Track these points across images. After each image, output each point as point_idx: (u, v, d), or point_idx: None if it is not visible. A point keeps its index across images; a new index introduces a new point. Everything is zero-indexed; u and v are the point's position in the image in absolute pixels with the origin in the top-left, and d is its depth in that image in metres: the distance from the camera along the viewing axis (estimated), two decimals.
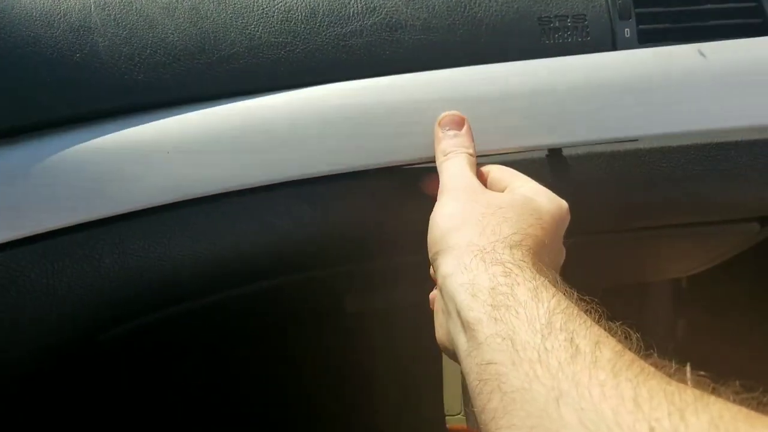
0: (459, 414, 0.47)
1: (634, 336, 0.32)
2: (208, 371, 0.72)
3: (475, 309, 0.36)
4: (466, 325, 0.36)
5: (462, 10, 0.56)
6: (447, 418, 0.47)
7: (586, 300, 0.35)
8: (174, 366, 0.70)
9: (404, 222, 0.54)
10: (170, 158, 0.49)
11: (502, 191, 0.47)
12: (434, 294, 0.47)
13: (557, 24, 0.57)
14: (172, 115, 0.51)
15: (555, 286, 0.36)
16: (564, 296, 0.35)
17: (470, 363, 0.35)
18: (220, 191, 0.51)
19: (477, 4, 0.56)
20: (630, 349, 0.31)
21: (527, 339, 0.32)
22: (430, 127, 0.52)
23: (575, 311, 0.34)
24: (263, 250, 0.54)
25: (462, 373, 0.38)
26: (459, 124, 0.51)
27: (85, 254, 0.49)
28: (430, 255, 0.44)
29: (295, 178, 0.52)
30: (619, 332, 0.32)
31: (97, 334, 0.52)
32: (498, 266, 0.38)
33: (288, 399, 0.77)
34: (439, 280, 0.41)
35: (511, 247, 0.39)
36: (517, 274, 0.37)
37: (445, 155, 0.49)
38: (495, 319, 0.34)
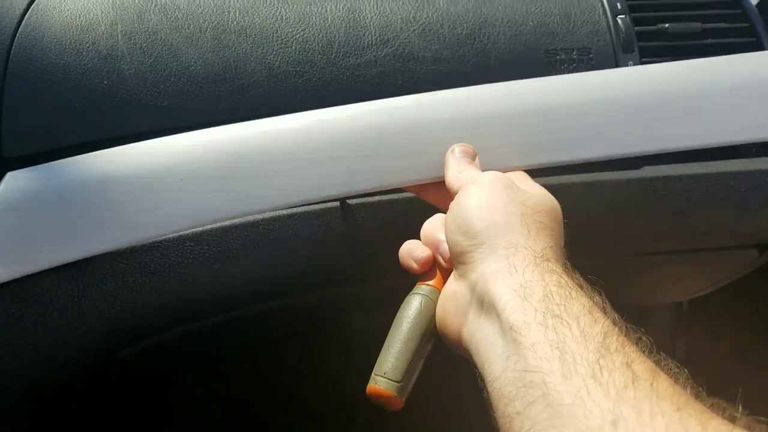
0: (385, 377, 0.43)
1: (683, 372, 0.32)
2: (217, 384, 0.73)
3: (524, 313, 0.35)
4: (508, 327, 0.35)
5: (472, 42, 0.58)
6: (377, 377, 0.44)
7: (634, 329, 0.35)
8: (185, 381, 0.72)
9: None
10: (183, 186, 0.50)
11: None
12: (449, 284, 0.45)
13: (563, 56, 0.59)
14: (183, 142, 0.51)
15: (604, 309, 0.36)
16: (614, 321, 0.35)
17: (506, 366, 0.34)
18: (234, 218, 0.52)
19: (486, 37, 0.59)
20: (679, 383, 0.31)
21: (580, 354, 0.31)
22: (442, 145, 0.52)
23: (629, 337, 0.33)
24: (278, 271, 0.55)
25: (482, 367, 0.37)
26: (472, 156, 0.51)
27: (108, 273, 0.51)
28: (459, 245, 0.43)
29: (310, 202, 0.53)
30: (672, 367, 0.32)
31: (117, 350, 0.54)
32: (552, 275, 0.37)
33: (294, 410, 0.78)
34: (474, 274, 0.41)
35: (557, 259, 0.39)
36: (571, 288, 0.36)
37: (462, 172, 0.49)
38: (545, 326, 0.34)
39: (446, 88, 0.56)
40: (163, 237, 0.51)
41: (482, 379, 0.37)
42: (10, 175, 0.48)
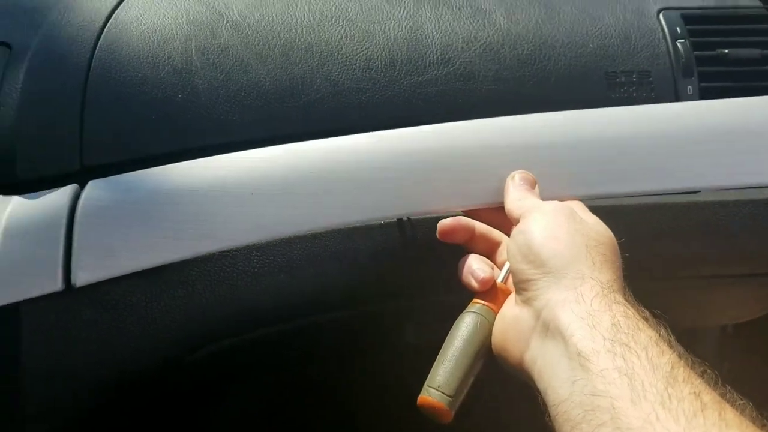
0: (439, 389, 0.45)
1: (748, 405, 0.33)
2: (271, 393, 0.75)
3: (592, 340, 0.37)
4: (575, 353, 0.37)
5: (532, 63, 0.59)
6: (430, 389, 0.45)
7: (699, 362, 0.36)
8: (240, 389, 0.73)
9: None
10: (254, 200, 0.52)
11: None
12: (510, 308, 0.47)
13: (623, 79, 0.60)
14: (254, 156, 0.53)
15: (670, 342, 0.37)
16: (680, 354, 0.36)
17: (573, 390, 0.36)
18: (299, 233, 0.54)
19: (546, 58, 0.60)
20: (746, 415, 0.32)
21: (649, 381, 0.33)
22: (500, 172, 0.53)
23: (696, 369, 0.34)
24: (338, 282, 0.57)
25: (545, 391, 0.38)
26: (532, 183, 0.52)
27: (179, 281, 0.52)
28: (524, 273, 0.44)
29: (371, 222, 0.54)
30: (738, 399, 0.33)
31: (183, 356, 0.55)
32: (619, 306, 0.39)
33: (343, 419, 0.80)
34: (539, 302, 0.42)
35: (621, 291, 0.41)
36: (638, 319, 0.38)
37: (522, 199, 0.50)
38: (614, 354, 0.35)
39: (506, 108, 0.58)
40: (232, 248, 0.53)
41: (544, 403, 0.39)
42: (91, 184, 0.50)
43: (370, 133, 0.55)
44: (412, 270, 0.57)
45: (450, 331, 0.48)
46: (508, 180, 0.52)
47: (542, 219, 0.46)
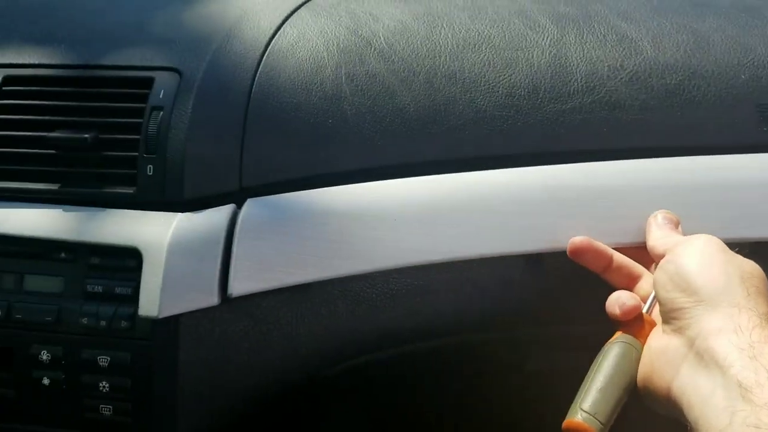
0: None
1: None
2: (400, 409, 0.77)
3: (754, 372, 0.37)
4: (735, 384, 0.37)
5: (680, 93, 0.58)
6: (582, 413, 0.44)
7: None
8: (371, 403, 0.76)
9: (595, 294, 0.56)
10: (396, 226, 0.54)
11: None
12: (657, 339, 0.46)
13: None
14: (398, 185, 0.55)
15: None
16: None
17: (732, 420, 0.36)
18: (439, 261, 0.55)
19: (695, 88, 0.58)
20: None
21: None
22: (643, 211, 0.54)
23: None
24: (473, 307, 0.57)
25: (696, 421, 0.38)
26: (675, 223, 0.52)
27: (323, 299, 0.55)
28: (675, 302, 0.44)
29: (508, 254, 0.55)
30: None
31: (318, 372, 0.58)
32: None
33: None
34: (691, 330, 0.42)
35: None
36: None
37: (665, 237, 0.51)
38: None
39: (653, 138, 0.57)
40: (375, 270, 0.54)
41: None
42: (249, 201, 0.54)
43: (511, 168, 0.56)
44: (544, 300, 0.57)
45: (598, 360, 0.48)
46: (651, 219, 0.53)
47: (693, 249, 0.46)
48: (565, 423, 0.45)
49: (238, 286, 0.52)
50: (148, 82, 0.57)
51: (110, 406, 0.53)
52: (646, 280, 0.51)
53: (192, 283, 0.53)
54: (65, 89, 0.59)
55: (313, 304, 0.55)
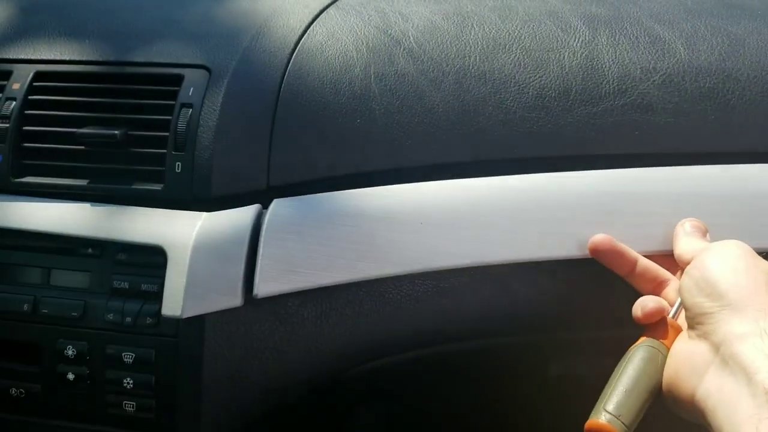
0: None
1: None
2: (422, 411, 0.76)
3: None
4: (763, 391, 0.36)
5: (715, 96, 0.57)
6: (606, 414, 0.43)
7: None
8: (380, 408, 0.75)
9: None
10: (422, 229, 0.53)
11: None
12: (682, 343, 0.46)
13: None
14: (425, 190, 0.55)
15: None
16: None
17: (759, 428, 0.35)
18: (464, 266, 0.54)
19: (730, 92, 0.57)
20: None
21: None
22: (670, 219, 0.53)
23: None
24: (497, 310, 0.57)
25: (720, 428, 0.38)
26: (703, 232, 0.51)
27: (348, 299, 0.54)
28: (700, 306, 0.43)
29: (533, 260, 0.54)
30: None
31: (344, 372, 0.57)
32: None
33: None
34: (716, 335, 0.41)
35: None
36: None
37: (693, 244, 0.50)
38: None
39: (686, 143, 0.56)
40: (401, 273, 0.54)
41: None
42: (276, 202, 0.53)
43: (539, 174, 0.56)
44: (569, 304, 0.56)
45: (622, 363, 0.47)
46: (678, 227, 0.52)
47: (719, 253, 0.45)
48: (588, 423, 0.44)
49: (263, 288, 0.52)
50: (178, 80, 0.57)
51: (134, 402, 0.53)
52: (673, 287, 0.51)
53: (216, 284, 0.52)
54: (95, 85, 0.59)
55: (338, 304, 0.54)
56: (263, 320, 0.53)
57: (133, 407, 0.54)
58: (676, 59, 0.59)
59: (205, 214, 0.54)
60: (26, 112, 0.58)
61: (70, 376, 0.54)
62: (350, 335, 0.55)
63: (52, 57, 0.61)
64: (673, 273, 0.52)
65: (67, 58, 0.61)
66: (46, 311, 0.54)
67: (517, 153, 0.57)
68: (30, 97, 0.58)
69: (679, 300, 0.48)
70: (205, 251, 0.52)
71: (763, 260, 0.45)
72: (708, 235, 0.51)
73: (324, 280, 0.52)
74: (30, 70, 0.59)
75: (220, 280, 0.52)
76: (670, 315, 0.48)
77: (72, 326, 0.54)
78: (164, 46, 0.60)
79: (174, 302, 0.52)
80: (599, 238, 0.52)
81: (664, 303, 0.49)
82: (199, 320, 0.53)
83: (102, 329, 0.54)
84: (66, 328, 0.54)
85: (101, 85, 0.59)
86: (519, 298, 0.56)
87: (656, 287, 0.51)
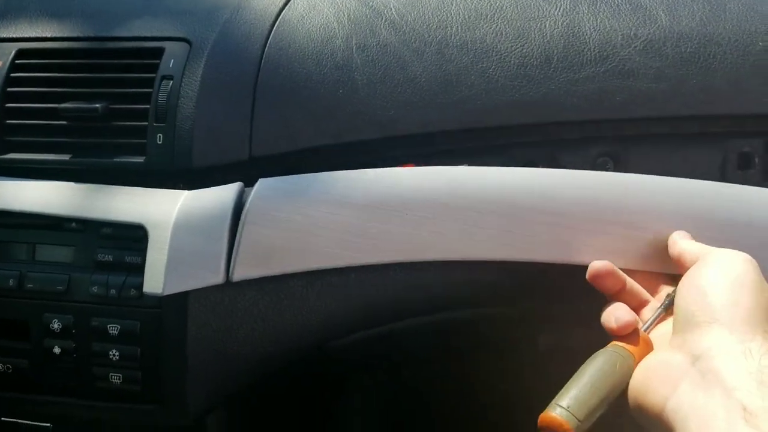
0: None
1: None
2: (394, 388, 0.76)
3: (761, 398, 0.35)
4: (739, 408, 0.35)
5: (696, 61, 0.57)
6: (558, 408, 0.42)
7: None
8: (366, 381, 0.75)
9: None
10: (410, 219, 0.51)
11: None
12: (658, 353, 0.44)
13: None
14: (413, 175, 0.53)
15: None
16: None
17: None
18: (444, 259, 0.52)
19: (711, 56, 0.57)
20: None
21: None
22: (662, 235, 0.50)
23: None
24: (490, 282, 0.56)
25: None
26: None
27: (334, 270, 0.54)
28: (691, 314, 0.42)
29: (513, 260, 0.52)
30: None
31: (325, 341, 0.57)
32: None
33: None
34: (698, 348, 0.40)
35: None
36: None
37: (694, 245, 0.48)
38: None
39: (667, 107, 0.56)
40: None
41: None
42: (260, 183, 0.52)
43: (533, 168, 0.54)
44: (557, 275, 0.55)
45: (586, 363, 0.46)
46: (674, 235, 0.50)
47: (725, 265, 0.43)
48: (541, 417, 0.43)
49: (240, 271, 0.52)
50: (159, 52, 0.57)
51: (120, 374, 0.53)
52: (650, 306, 0.49)
53: (197, 262, 0.52)
54: (76, 61, 0.59)
55: (325, 273, 0.54)
56: (248, 290, 0.53)
57: (119, 379, 0.53)
58: (657, 25, 0.59)
59: (186, 192, 0.54)
60: (8, 89, 0.58)
61: (56, 350, 0.54)
62: (338, 304, 0.54)
63: (34, 35, 0.61)
64: (652, 294, 0.50)
65: (49, 35, 0.61)
66: (31, 286, 0.54)
67: (500, 121, 0.57)
68: (12, 75, 0.59)
69: (654, 315, 0.47)
70: (186, 229, 0.52)
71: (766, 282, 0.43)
72: None
73: (303, 267, 0.52)
74: (12, 48, 0.60)
75: (201, 257, 0.52)
76: (643, 328, 0.47)
77: (57, 300, 0.54)
78: (145, 21, 0.60)
79: (155, 279, 0.52)
80: (600, 265, 0.49)
81: (635, 316, 0.47)
82: (182, 292, 0.53)
83: (87, 302, 0.54)
84: (52, 302, 0.54)
85: (83, 61, 0.59)
86: (509, 269, 0.56)
87: (637, 307, 0.50)
